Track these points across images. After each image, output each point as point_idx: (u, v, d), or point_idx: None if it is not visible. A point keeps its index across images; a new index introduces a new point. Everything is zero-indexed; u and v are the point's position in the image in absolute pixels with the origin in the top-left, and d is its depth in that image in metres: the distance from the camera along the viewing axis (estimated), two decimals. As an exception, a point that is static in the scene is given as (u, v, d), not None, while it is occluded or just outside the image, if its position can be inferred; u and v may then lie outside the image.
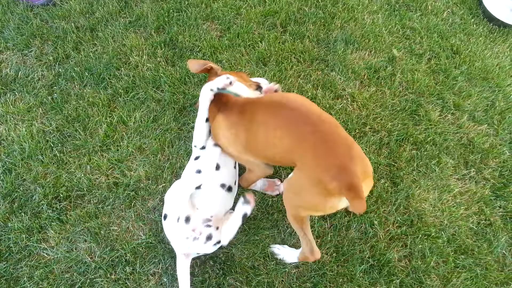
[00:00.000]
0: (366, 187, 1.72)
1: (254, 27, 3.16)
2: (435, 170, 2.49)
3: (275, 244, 2.21)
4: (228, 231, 1.91)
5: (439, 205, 2.37)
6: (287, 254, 2.16)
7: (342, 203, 1.69)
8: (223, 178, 2.04)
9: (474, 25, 3.33)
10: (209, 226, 1.91)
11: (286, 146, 1.77)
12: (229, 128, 1.93)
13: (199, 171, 2.00)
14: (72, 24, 3.04)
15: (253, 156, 1.96)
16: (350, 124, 2.63)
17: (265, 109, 1.86)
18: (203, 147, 2.10)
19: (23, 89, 2.71)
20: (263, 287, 2.10)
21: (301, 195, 1.79)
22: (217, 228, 1.94)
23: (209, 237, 1.90)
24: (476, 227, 2.32)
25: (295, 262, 2.16)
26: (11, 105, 2.62)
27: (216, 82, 1.97)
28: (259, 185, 2.35)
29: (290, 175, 1.81)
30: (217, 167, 2.03)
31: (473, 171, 2.52)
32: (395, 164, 2.50)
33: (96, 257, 2.11)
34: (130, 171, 2.41)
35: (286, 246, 2.21)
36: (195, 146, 2.13)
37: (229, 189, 2.06)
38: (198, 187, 1.93)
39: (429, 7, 3.42)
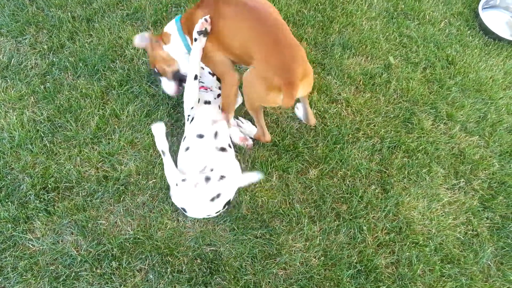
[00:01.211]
0: (307, 84, 2.19)
1: (252, 26, 3.14)
2: (425, 179, 2.51)
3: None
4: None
5: (428, 214, 2.39)
6: (247, 128, 2.55)
7: (281, 98, 2.07)
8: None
9: (470, 37, 3.36)
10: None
11: (247, 38, 2.11)
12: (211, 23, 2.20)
13: (200, 136, 2.28)
14: (69, 13, 3.01)
15: (222, 51, 2.23)
16: (343, 129, 2.64)
17: (235, 6, 2.15)
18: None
19: (16, 76, 2.66)
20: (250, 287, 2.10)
21: (252, 88, 2.17)
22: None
23: (207, 178, 2.13)
24: (463, 237, 2.34)
25: (251, 138, 2.53)
26: (3, 92, 2.58)
27: (196, 27, 2.18)
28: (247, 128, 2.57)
29: (246, 71, 2.15)
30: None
31: (463, 181, 2.54)
32: (386, 171, 2.51)
33: (82, 250, 2.09)
34: (121, 165, 2.38)
35: (249, 122, 2.57)
36: (191, 108, 2.38)
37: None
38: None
39: (427, 17, 3.45)
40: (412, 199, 2.42)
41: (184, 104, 2.39)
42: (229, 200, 2.21)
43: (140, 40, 2.41)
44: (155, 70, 2.46)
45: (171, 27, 2.38)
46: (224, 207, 2.19)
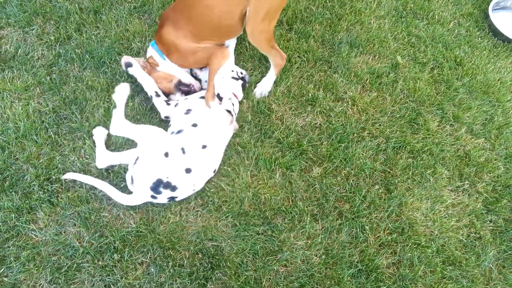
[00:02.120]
0: None
1: (260, 22, 3.13)
2: (429, 180, 2.49)
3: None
4: None
5: (431, 215, 2.38)
6: (265, 83, 2.69)
7: None
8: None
9: (479, 38, 3.33)
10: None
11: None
12: (178, 29, 2.39)
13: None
14: (76, 5, 3.00)
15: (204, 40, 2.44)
16: (348, 128, 2.63)
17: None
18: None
19: (22, 67, 2.67)
20: (251, 283, 2.10)
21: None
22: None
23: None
24: (465, 239, 2.33)
25: (274, 79, 2.68)
26: (9, 82, 2.59)
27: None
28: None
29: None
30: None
31: (467, 183, 2.53)
32: (391, 171, 2.50)
33: (85, 242, 2.10)
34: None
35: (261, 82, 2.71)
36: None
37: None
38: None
39: (436, 17, 3.42)
40: (416, 200, 2.41)
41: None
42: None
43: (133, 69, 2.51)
44: (165, 93, 2.57)
45: (152, 52, 2.57)
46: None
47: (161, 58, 2.54)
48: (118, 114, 2.32)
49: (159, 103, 2.45)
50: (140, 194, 2.15)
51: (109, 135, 2.41)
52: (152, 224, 2.18)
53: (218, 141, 2.33)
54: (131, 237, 2.13)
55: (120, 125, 2.30)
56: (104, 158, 2.27)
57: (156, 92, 2.47)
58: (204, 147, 2.23)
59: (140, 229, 2.15)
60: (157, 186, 2.10)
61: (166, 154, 2.14)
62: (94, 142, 2.36)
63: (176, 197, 2.19)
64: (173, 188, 2.12)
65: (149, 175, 2.10)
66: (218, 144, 2.33)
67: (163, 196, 2.14)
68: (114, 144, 2.43)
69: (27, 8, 2.97)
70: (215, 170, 2.33)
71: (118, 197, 2.16)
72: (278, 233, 2.23)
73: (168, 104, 2.45)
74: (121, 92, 2.40)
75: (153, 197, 2.13)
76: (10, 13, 2.94)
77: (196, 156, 2.19)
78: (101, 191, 2.24)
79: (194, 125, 2.29)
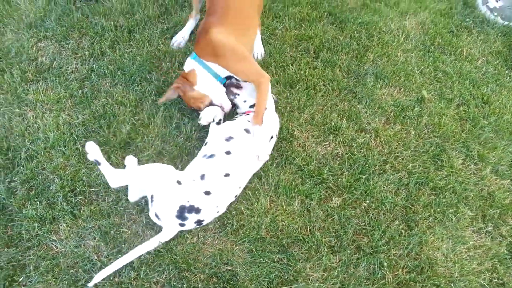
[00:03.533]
0: None
1: (287, 49, 3.19)
2: (451, 219, 2.45)
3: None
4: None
5: (451, 256, 2.32)
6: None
7: None
8: None
9: (508, 77, 3.30)
10: None
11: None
12: (226, 26, 2.51)
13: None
14: (112, 22, 3.12)
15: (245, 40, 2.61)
16: (370, 160, 2.62)
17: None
18: None
19: (56, 79, 2.77)
20: (263, 312, 2.08)
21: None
22: None
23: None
24: (487, 284, 2.26)
25: None
26: (42, 93, 2.68)
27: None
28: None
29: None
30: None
31: (490, 226, 2.47)
32: (412, 207, 2.47)
33: (103, 256, 2.12)
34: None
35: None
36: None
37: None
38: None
39: (464, 53, 3.41)
40: (437, 239, 2.36)
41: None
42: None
43: (171, 94, 2.53)
44: (192, 108, 2.59)
45: (193, 64, 2.54)
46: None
47: (204, 70, 2.53)
48: (105, 168, 2.14)
49: (213, 130, 2.52)
50: (169, 226, 2.16)
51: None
52: (170, 244, 2.19)
53: (244, 172, 2.36)
54: (149, 255, 2.14)
55: (115, 176, 2.14)
56: (113, 176, 2.14)
57: (220, 120, 2.54)
58: (227, 175, 2.25)
59: (158, 248, 2.16)
60: (181, 213, 2.11)
61: (179, 182, 2.15)
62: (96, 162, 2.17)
63: (203, 220, 2.20)
64: (197, 211, 2.14)
65: (170, 204, 2.12)
66: (243, 174, 2.36)
67: (191, 221, 2.15)
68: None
69: (64, 23, 3.10)
70: (236, 195, 2.35)
71: (155, 241, 2.16)
72: (294, 262, 2.21)
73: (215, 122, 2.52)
74: (93, 149, 2.16)
75: (181, 225, 2.14)
76: (48, 27, 3.07)
77: (216, 182, 2.22)
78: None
79: (228, 152, 2.32)
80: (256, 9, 2.81)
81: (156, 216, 2.13)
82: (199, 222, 2.19)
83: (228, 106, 2.61)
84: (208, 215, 2.20)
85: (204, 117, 2.47)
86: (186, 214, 2.12)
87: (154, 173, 2.16)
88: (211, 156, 2.32)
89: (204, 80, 2.54)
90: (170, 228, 2.16)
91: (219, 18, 2.52)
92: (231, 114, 2.68)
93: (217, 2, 2.56)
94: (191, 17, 3.11)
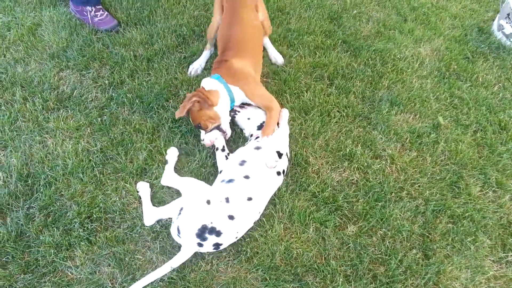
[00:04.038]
0: None
1: (302, 76, 3.23)
2: (470, 248, 2.38)
3: None
4: None
5: (470, 287, 2.25)
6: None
7: None
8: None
9: (525, 103, 3.27)
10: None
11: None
12: (244, 59, 2.77)
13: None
14: (131, 52, 3.22)
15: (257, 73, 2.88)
16: (386, 187, 2.59)
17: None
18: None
19: (76, 107, 2.85)
20: None
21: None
22: None
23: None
24: (509, 317, 2.19)
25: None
26: (62, 121, 2.76)
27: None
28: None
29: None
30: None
31: (511, 255, 2.40)
32: (429, 236, 2.42)
33: (117, 284, 2.13)
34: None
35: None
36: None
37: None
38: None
39: (480, 79, 3.40)
40: (455, 269, 2.30)
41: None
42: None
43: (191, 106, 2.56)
44: (198, 125, 2.62)
45: (216, 85, 2.64)
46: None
47: (226, 93, 2.66)
48: (168, 168, 2.53)
49: (220, 156, 2.57)
50: (187, 244, 2.17)
51: (153, 190, 2.51)
52: (184, 271, 2.19)
53: (264, 195, 2.39)
54: (162, 283, 2.14)
55: (170, 177, 2.49)
56: (151, 214, 2.35)
57: (223, 146, 2.61)
58: (249, 199, 2.29)
59: (172, 276, 2.15)
60: (202, 232, 2.13)
61: (208, 202, 2.21)
62: (140, 198, 2.45)
63: (221, 244, 2.20)
64: (218, 233, 2.15)
65: (194, 222, 2.15)
66: (264, 196, 2.39)
67: (209, 243, 2.15)
68: (158, 199, 2.50)
69: (86, 53, 3.21)
70: (255, 222, 2.35)
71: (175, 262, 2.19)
72: (309, 292, 2.18)
73: (227, 158, 2.55)
74: (172, 154, 2.61)
75: (199, 244, 2.15)
76: (70, 57, 3.18)
77: (240, 206, 2.25)
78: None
79: (246, 176, 2.36)
80: (261, 43, 3.12)
81: (178, 230, 2.17)
82: (217, 246, 2.19)
83: (229, 133, 2.71)
84: (227, 240, 2.21)
85: (208, 138, 2.59)
86: (207, 235, 2.14)
87: (193, 187, 2.30)
88: (230, 181, 2.35)
89: (224, 102, 2.65)
90: (187, 247, 2.18)
91: (237, 52, 2.77)
92: (243, 140, 2.71)
93: (231, 40, 2.81)
94: (206, 49, 3.24)
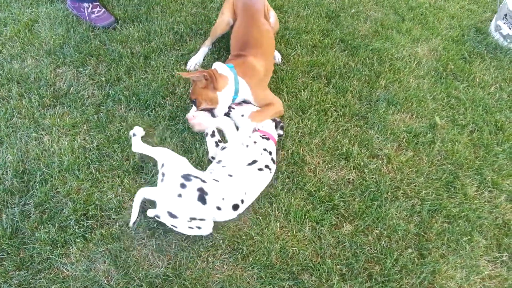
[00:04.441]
0: None
1: (299, 75, 3.23)
2: (465, 248, 2.39)
3: None
4: None
5: (465, 286, 2.26)
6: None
7: None
8: None
9: (522, 104, 3.28)
10: None
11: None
12: (259, 61, 2.84)
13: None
14: (128, 49, 3.21)
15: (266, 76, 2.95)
16: (382, 186, 2.60)
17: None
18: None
19: (72, 104, 2.84)
20: None
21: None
22: None
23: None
24: (503, 316, 2.20)
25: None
26: (59, 118, 2.75)
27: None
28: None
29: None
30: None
31: (506, 255, 2.41)
32: (425, 235, 2.42)
33: (113, 281, 2.12)
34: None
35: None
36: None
37: None
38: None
39: (477, 79, 3.41)
40: (450, 268, 2.31)
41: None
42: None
43: (196, 77, 2.60)
44: (194, 100, 2.65)
45: (228, 72, 2.67)
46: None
47: (233, 82, 2.69)
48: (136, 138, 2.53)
49: (210, 142, 2.61)
50: (170, 184, 2.18)
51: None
52: (179, 269, 2.18)
53: (247, 178, 2.41)
54: (158, 280, 2.13)
55: (139, 145, 2.49)
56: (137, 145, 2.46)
57: (213, 132, 2.65)
58: (230, 175, 2.36)
59: (168, 273, 2.15)
60: (187, 176, 2.18)
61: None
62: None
63: (207, 194, 2.17)
64: (203, 181, 2.20)
65: (177, 170, 2.21)
66: (247, 180, 2.40)
67: (193, 186, 2.16)
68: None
69: (82, 50, 3.19)
70: (243, 200, 2.35)
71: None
72: (304, 290, 2.18)
73: (217, 146, 2.58)
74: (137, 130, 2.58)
75: (182, 185, 2.14)
76: (67, 53, 3.17)
77: (221, 176, 2.33)
78: (133, 228, 2.29)
79: (230, 175, 2.38)
80: (273, 46, 3.16)
81: (162, 180, 2.20)
82: (201, 193, 2.17)
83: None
84: (213, 196, 2.20)
85: (194, 115, 2.64)
86: (192, 178, 2.17)
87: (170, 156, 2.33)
88: (219, 161, 2.46)
89: (228, 91, 2.68)
90: (169, 187, 2.18)
91: (255, 51, 2.86)
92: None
93: (251, 40, 2.91)
94: (205, 45, 3.24)
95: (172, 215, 2.13)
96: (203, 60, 3.23)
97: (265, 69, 2.88)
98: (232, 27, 3.16)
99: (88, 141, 2.65)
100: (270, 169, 2.51)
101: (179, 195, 2.12)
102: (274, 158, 2.58)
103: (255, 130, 2.68)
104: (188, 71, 3.14)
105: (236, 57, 2.86)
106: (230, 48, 3.07)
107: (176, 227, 2.18)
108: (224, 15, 3.15)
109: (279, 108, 2.83)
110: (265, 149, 2.54)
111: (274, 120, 2.75)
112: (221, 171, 2.38)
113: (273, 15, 3.30)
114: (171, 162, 2.26)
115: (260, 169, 2.45)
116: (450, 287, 2.25)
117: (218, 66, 2.72)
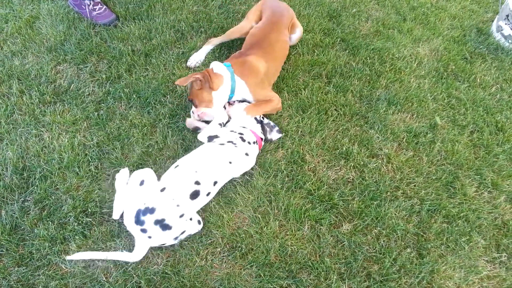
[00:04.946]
0: None
1: (300, 74, 3.23)
2: (464, 248, 2.39)
3: None
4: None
5: (464, 286, 2.26)
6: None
7: None
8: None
9: (523, 104, 3.27)
10: None
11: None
12: (263, 62, 2.84)
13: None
14: (129, 47, 3.21)
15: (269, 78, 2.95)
16: (382, 186, 2.60)
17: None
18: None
19: (73, 101, 2.84)
20: None
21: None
22: None
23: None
24: (501, 317, 2.20)
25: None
26: (59, 115, 2.75)
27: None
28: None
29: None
30: None
31: (505, 256, 2.41)
32: (424, 235, 2.42)
33: (111, 278, 2.12)
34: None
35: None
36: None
37: None
38: None
39: (478, 80, 3.40)
40: (449, 268, 2.31)
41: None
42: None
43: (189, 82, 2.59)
44: (191, 100, 2.68)
45: (224, 71, 2.66)
46: None
47: (229, 81, 2.69)
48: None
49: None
50: (137, 237, 2.15)
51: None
52: (178, 266, 2.19)
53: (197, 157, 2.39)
54: (157, 277, 2.14)
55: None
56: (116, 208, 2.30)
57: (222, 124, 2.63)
58: (176, 166, 2.34)
59: (166, 271, 2.15)
60: (138, 217, 2.11)
61: (142, 182, 2.23)
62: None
63: (164, 220, 2.11)
64: (152, 211, 2.11)
65: (129, 212, 2.15)
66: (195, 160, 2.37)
67: (149, 223, 2.09)
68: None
69: (83, 47, 3.20)
70: (198, 182, 2.27)
71: (126, 257, 2.17)
72: (303, 289, 2.18)
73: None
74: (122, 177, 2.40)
75: (143, 230, 2.10)
76: (67, 50, 3.17)
77: (168, 176, 2.30)
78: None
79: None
80: (284, 56, 3.19)
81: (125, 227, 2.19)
82: (160, 223, 2.10)
83: (219, 119, 2.68)
84: (167, 212, 2.12)
85: (196, 115, 2.68)
86: (142, 218, 2.09)
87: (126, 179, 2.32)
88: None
89: (223, 90, 2.69)
90: (138, 239, 2.15)
91: (262, 52, 2.88)
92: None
93: (265, 41, 2.95)
94: (209, 43, 3.26)
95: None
96: (204, 58, 3.23)
97: (269, 72, 2.90)
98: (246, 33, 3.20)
99: (88, 138, 2.66)
100: (235, 144, 2.48)
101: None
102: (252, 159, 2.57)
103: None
104: (188, 67, 3.15)
105: (237, 56, 2.86)
106: (242, 46, 3.09)
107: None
108: (248, 20, 3.22)
109: (277, 104, 2.84)
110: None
111: (268, 124, 2.75)
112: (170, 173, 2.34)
113: (299, 31, 3.34)
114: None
115: (222, 144, 2.46)
116: (449, 287, 2.25)
117: (214, 65, 2.73)
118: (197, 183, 2.26)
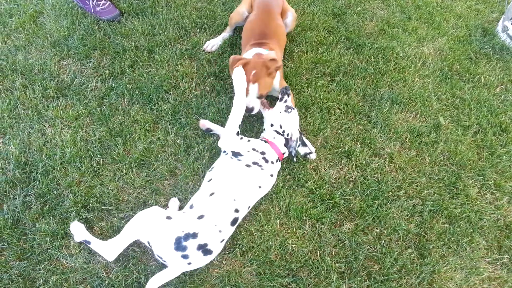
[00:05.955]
0: None
1: (303, 72, 3.22)
2: (466, 249, 2.38)
3: None
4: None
5: (464, 287, 2.25)
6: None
7: None
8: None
9: (527, 106, 3.25)
10: None
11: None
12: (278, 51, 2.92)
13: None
14: (133, 43, 3.20)
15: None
16: (384, 185, 2.59)
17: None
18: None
19: (76, 96, 2.84)
20: (269, 338, 2.04)
21: None
22: None
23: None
24: (502, 319, 2.19)
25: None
26: (61, 110, 2.75)
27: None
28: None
29: None
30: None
31: (507, 257, 2.40)
32: (425, 235, 2.41)
33: (112, 273, 2.12)
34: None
35: None
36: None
37: None
38: None
39: (482, 80, 3.38)
40: (450, 269, 2.30)
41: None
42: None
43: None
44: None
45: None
46: None
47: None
48: (97, 245, 2.13)
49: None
50: (174, 263, 2.04)
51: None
52: (178, 263, 2.19)
53: (230, 183, 2.29)
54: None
55: (109, 247, 2.11)
56: (108, 248, 2.10)
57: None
58: (211, 194, 2.22)
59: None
60: (179, 243, 2.00)
61: (169, 217, 2.08)
62: (85, 242, 2.16)
63: (206, 244, 2.05)
64: (194, 236, 2.03)
65: (166, 240, 2.01)
66: (230, 186, 2.28)
67: (192, 248, 2.01)
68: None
69: (87, 42, 3.19)
70: (237, 209, 2.23)
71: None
72: (302, 287, 2.18)
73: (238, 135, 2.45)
74: (78, 229, 2.18)
75: (184, 256, 2.01)
76: (71, 46, 3.17)
77: (204, 204, 2.18)
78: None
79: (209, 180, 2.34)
80: (285, 42, 3.24)
81: (159, 257, 2.06)
82: (202, 247, 2.04)
83: (256, 109, 2.69)
84: (209, 237, 2.07)
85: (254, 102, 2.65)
86: (184, 243, 2.00)
87: (141, 221, 2.08)
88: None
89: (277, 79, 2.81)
90: (175, 265, 2.05)
91: (274, 45, 2.92)
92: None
93: (268, 33, 2.98)
94: (226, 31, 3.36)
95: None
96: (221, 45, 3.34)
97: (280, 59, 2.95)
98: (246, 18, 3.27)
99: (90, 133, 2.66)
100: (261, 166, 2.40)
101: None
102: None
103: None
104: (204, 51, 3.28)
105: (259, 45, 2.87)
106: (242, 39, 3.12)
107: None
108: (241, 7, 3.29)
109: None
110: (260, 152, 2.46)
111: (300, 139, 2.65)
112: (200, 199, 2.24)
113: (291, 15, 3.34)
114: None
115: (248, 166, 2.38)
116: (450, 288, 2.24)
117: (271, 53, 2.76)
118: (236, 210, 2.22)
